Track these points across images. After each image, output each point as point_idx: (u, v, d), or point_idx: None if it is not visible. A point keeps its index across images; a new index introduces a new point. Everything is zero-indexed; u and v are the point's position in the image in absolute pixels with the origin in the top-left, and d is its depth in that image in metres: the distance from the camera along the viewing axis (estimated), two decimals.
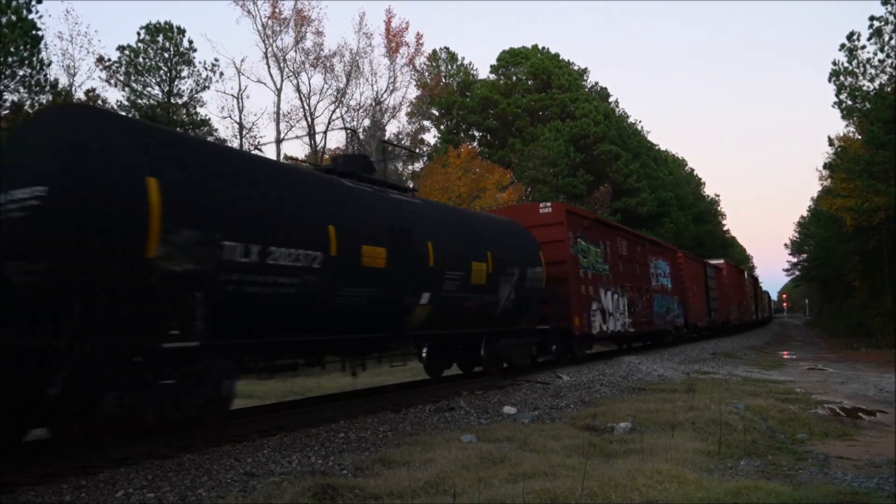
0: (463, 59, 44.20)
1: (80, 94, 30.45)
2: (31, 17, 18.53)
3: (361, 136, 35.04)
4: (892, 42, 26.19)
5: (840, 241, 43.23)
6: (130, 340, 5.43)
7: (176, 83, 33.43)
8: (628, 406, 8.38)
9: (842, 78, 27.55)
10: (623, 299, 17.23)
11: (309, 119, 33.49)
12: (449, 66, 43.10)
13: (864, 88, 27.19)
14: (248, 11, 33.38)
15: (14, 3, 17.98)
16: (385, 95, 34.37)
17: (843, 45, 27.35)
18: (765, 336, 38.20)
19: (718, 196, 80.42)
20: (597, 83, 48.58)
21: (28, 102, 19.33)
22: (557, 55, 41.64)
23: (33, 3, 18.75)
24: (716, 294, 30.28)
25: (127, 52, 32.31)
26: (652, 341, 22.03)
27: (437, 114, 40.90)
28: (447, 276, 9.42)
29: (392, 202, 9.03)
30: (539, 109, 39.23)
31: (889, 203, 26.02)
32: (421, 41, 34.84)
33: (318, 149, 34.60)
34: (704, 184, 72.65)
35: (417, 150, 41.23)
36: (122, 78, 32.34)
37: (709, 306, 28.57)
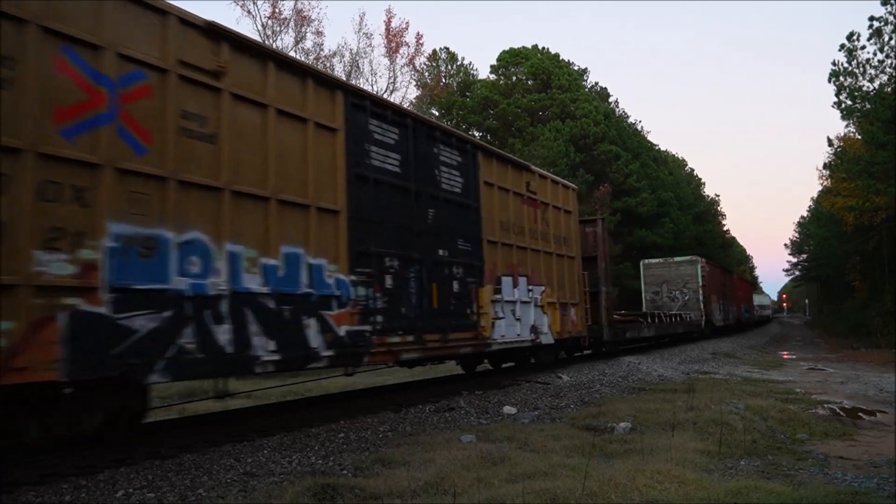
0: (463, 59, 44.21)
1: None
2: None
3: None
4: (892, 42, 26.22)
5: (840, 241, 43.26)
6: None
7: None
8: (628, 406, 8.38)
9: (841, 78, 27.57)
10: None
11: None
12: (449, 66, 43.11)
13: (864, 89, 27.22)
14: (248, 11, 33.41)
15: None
16: (385, 95, 34.39)
17: (842, 46, 27.37)
18: (764, 336, 38.22)
19: (718, 196, 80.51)
20: (597, 83, 48.60)
21: None
22: (557, 55, 41.66)
23: None
24: None
25: None
26: None
27: (437, 114, 40.91)
28: None
29: None
30: (539, 109, 39.24)
31: (889, 203, 26.04)
32: (421, 41, 34.94)
33: None
34: (704, 184, 72.65)
35: None
36: None
37: None
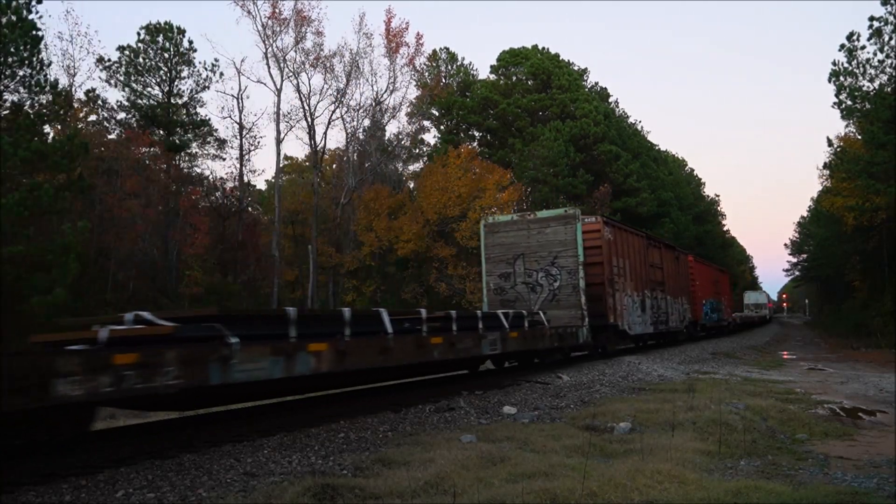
0: (463, 59, 44.26)
1: (80, 95, 30.49)
2: (31, 17, 18.54)
3: (361, 137, 35.05)
4: (892, 42, 26.23)
5: (840, 241, 43.27)
6: None
7: (176, 83, 33.48)
8: (628, 406, 8.38)
9: (841, 78, 27.57)
10: None
11: (309, 119, 33.52)
12: (449, 67, 43.12)
13: (864, 89, 27.23)
14: (248, 11, 33.46)
15: (14, 3, 17.99)
16: (385, 96, 34.44)
17: (842, 46, 27.39)
18: (764, 336, 38.20)
19: (718, 196, 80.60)
20: (597, 83, 48.65)
21: (28, 103, 19.35)
22: (557, 55, 41.67)
23: (33, 3, 18.76)
24: None
25: (127, 52, 32.34)
26: None
27: (437, 114, 40.92)
28: None
29: None
30: (539, 109, 39.25)
31: (889, 203, 26.05)
32: (421, 41, 34.98)
33: (317, 149, 34.60)
34: (704, 184, 72.80)
35: (416, 151, 41.27)
36: (122, 78, 32.39)
37: None
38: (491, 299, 15.59)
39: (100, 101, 32.63)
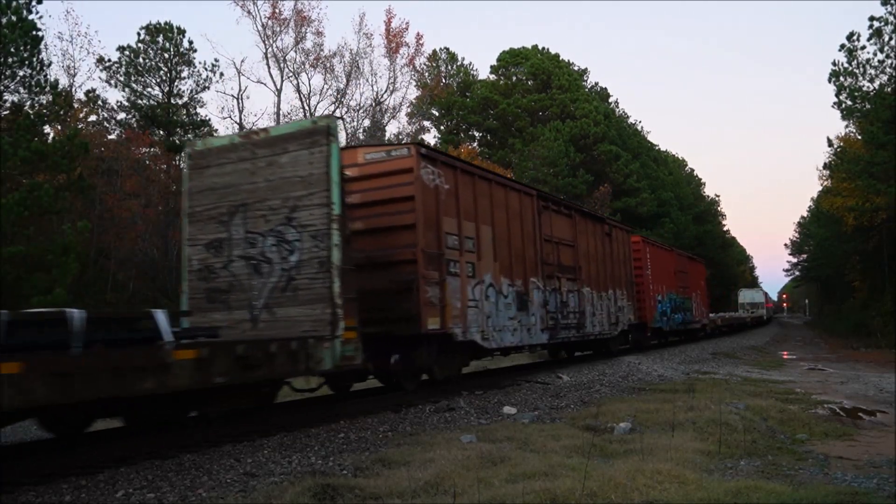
0: (463, 59, 44.25)
1: (80, 95, 30.50)
2: (31, 17, 18.55)
3: (361, 137, 35.05)
4: (892, 42, 26.25)
5: (840, 241, 43.28)
6: None
7: (176, 83, 33.47)
8: (628, 406, 8.38)
9: (841, 78, 27.60)
10: None
11: None
12: (449, 67, 43.13)
13: (864, 89, 27.25)
14: (248, 12, 33.48)
15: (14, 3, 17.99)
16: (385, 96, 34.41)
17: (842, 46, 27.41)
18: (764, 336, 38.21)
19: (718, 196, 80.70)
20: (597, 83, 48.70)
21: (28, 103, 19.35)
22: (557, 55, 41.71)
23: (33, 3, 18.76)
24: None
25: (127, 52, 32.32)
26: None
27: (437, 114, 40.92)
28: None
29: None
30: (539, 109, 39.27)
31: (889, 203, 26.07)
32: (421, 41, 34.98)
33: None
34: (704, 184, 72.86)
35: None
36: (122, 78, 32.36)
37: None
38: (194, 288, 8.23)
39: (100, 102, 32.64)
